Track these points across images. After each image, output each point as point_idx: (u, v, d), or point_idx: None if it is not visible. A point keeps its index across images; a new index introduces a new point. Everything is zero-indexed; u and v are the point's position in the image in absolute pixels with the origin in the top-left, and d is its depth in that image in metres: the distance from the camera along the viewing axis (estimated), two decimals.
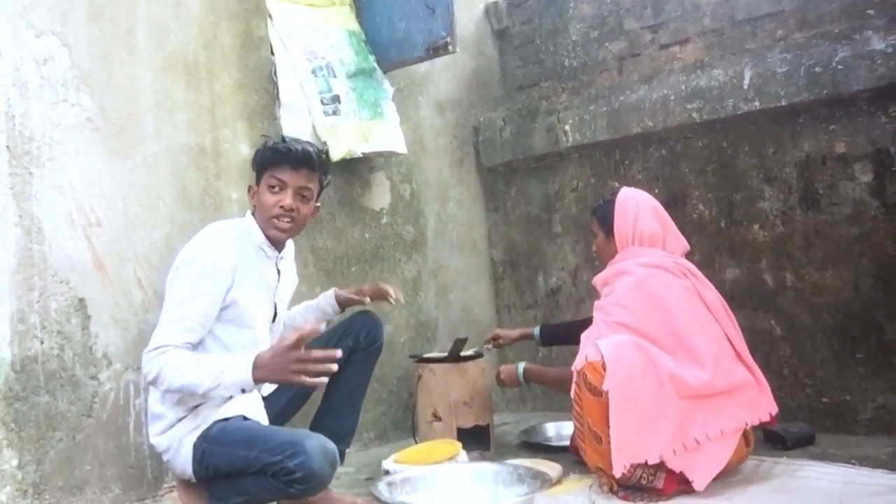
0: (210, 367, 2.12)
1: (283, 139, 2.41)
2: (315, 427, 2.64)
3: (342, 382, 2.62)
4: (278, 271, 2.47)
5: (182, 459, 2.29)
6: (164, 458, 2.36)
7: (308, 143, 2.44)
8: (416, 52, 3.39)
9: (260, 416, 2.38)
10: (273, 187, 2.33)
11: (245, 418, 2.30)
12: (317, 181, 2.40)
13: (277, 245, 2.42)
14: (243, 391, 2.14)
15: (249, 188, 2.46)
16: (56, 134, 2.53)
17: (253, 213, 2.42)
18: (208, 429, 2.25)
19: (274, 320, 2.51)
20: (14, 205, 2.43)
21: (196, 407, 2.28)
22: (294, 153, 2.32)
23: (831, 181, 2.97)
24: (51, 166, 2.51)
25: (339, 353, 2.07)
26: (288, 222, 2.35)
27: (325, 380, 2.05)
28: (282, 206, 2.31)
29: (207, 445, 2.23)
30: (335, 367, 2.06)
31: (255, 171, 2.42)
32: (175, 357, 2.14)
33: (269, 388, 2.54)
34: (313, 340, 2.61)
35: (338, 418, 2.68)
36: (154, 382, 2.17)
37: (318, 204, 2.48)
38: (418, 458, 2.58)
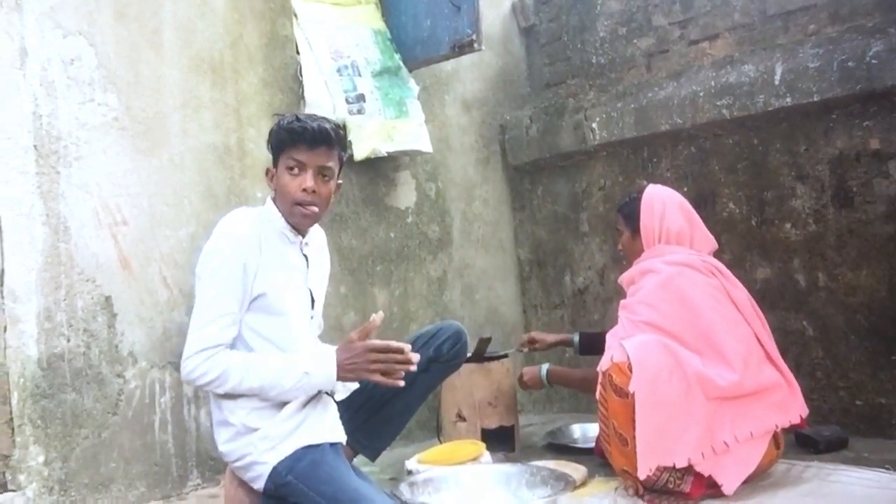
0: (289, 368, 2.07)
1: (297, 117, 2.22)
2: (364, 416, 2.44)
3: (409, 390, 2.40)
4: (305, 256, 2.31)
5: (254, 474, 2.15)
6: (232, 465, 2.23)
7: (324, 118, 2.27)
8: (441, 51, 3.37)
9: (339, 434, 2.24)
10: (292, 169, 2.19)
11: (331, 445, 2.17)
12: (336, 158, 2.25)
13: (300, 229, 2.28)
14: (319, 391, 2.12)
15: (267, 171, 2.29)
16: (83, 133, 2.56)
17: (274, 199, 2.28)
18: (296, 458, 2.10)
19: (313, 307, 2.36)
20: (41, 204, 2.45)
21: (268, 412, 2.14)
22: (310, 132, 2.17)
23: (865, 178, 2.90)
24: (78, 165, 2.54)
25: (416, 357, 2.10)
26: (312, 206, 2.21)
27: (402, 383, 2.07)
28: (304, 190, 2.18)
29: (294, 482, 2.09)
30: (415, 367, 2.10)
31: (272, 154, 2.27)
32: (240, 357, 2.07)
33: (343, 392, 2.38)
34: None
35: (388, 421, 2.50)
36: (212, 383, 2.07)
37: (340, 181, 2.32)
38: (442, 459, 2.57)
